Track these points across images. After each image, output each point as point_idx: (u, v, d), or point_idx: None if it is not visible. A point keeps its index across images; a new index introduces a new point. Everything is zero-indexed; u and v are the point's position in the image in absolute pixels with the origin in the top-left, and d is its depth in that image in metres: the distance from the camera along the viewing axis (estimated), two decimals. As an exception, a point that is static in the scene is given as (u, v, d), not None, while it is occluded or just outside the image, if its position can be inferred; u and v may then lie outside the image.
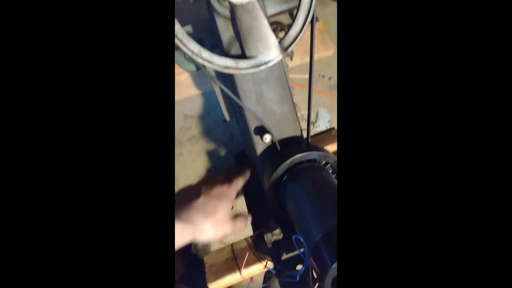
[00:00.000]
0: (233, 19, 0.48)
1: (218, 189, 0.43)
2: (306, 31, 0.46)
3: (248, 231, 0.68)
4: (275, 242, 0.59)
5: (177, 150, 1.14)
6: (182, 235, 0.39)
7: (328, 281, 0.38)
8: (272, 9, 0.61)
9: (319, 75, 1.24)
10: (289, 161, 0.55)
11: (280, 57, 0.48)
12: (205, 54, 0.43)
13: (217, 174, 0.47)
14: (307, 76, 1.26)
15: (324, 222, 0.43)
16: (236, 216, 0.46)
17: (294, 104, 0.62)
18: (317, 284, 0.40)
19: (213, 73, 0.62)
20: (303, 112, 1.27)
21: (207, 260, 0.71)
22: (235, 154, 1.04)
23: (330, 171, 0.60)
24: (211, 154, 1.13)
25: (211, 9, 0.49)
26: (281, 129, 0.60)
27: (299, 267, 0.53)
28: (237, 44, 0.51)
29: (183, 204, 0.40)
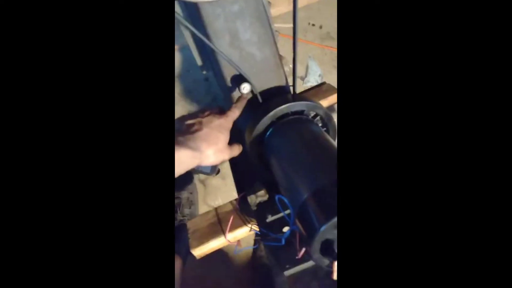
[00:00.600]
0: None
1: (217, 122, 0.47)
2: None
3: (234, 194, 0.64)
4: (259, 204, 0.54)
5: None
6: (191, 160, 0.45)
7: (316, 245, 0.33)
8: None
9: (309, 24, 1.12)
10: (272, 113, 0.47)
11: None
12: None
13: (212, 107, 0.52)
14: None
15: (312, 179, 0.37)
16: (231, 145, 0.52)
17: (277, 47, 0.53)
18: (303, 249, 0.35)
19: (177, 10, 0.52)
20: (291, 66, 1.17)
21: (191, 225, 0.67)
22: (219, 114, 0.96)
23: (320, 124, 0.53)
24: (193, 116, 1.04)
25: None
26: (263, 77, 0.52)
27: (285, 229, 0.49)
28: (201, -32, 0.41)
29: (189, 134, 0.45)
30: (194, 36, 0.60)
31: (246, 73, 0.48)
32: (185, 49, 1.05)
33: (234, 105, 0.50)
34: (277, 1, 1.06)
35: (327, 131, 0.52)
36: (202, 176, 1.01)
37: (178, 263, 0.82)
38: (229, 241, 0.62)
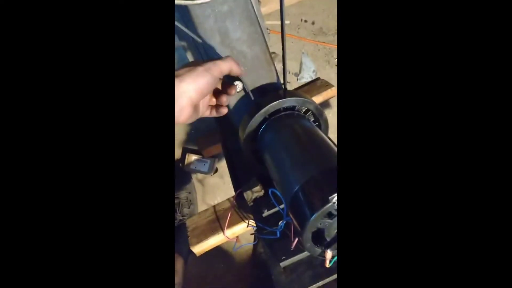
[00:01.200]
0: None
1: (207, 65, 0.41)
2: None
3: (232, 192, 0.65)
4: (255, 200, 0.55)
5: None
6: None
7: (308, 235, 0.34)
8: None
9: (301, 20, 1.12)
10: (264, 110, 0.48)
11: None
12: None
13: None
14: (287, 22, 1.15)
15: (302, 171, 0.38)
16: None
17: (267, 45, 0.54)
18: (296, 239, 0.36)
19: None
20: (285, 63, 1.17)
21: (190, 223, 0.68)
22: (215, 114, 0.97)
23: (312, 119, 0.54)
24: (189, 116, 1.05)
25: None
26: (254, 74, 0.53)
27: (281, 222, 0.50)
28: (189, -31, 0.41)
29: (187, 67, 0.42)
30: (186, 36, 0.61)
31: (238, 71, 0.49)
32: (179, 48, 1.06)
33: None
34: (269, -1, 1.07)
35: (319, 125, 0.53)
36: (200, 175, 1.02)
37: (180, 262, 0.83)
38: (227, 237, 0.63)
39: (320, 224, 0.34)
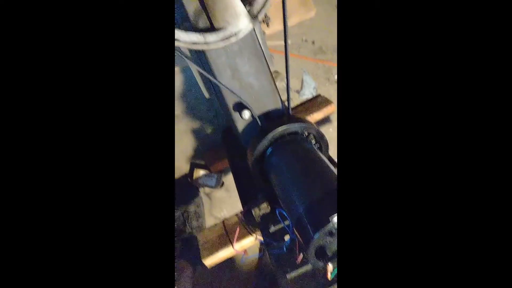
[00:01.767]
0: (196, -12, 0.44)
1: None
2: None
3: (238, 205, 0.69)
4: (263, 216, 0.60)
5: (162, 131, 1.12)
6: None
7: (312, 251, 0.39)
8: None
9: (302, 40, 1.19)
10: (270, 136, 0.53)
11: (250, 26, 0.45)
12: (168, 30, 0.40)
13: None
14: (289, 41, 1.21)
15: (306, 194, 0.43)
16: None
17: (272, 75, 0.59)
18: (301, 254, 0.41)
19: (186, 51, 0.58)
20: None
21: (200, 238, 0.73)
22: (222, 131, 1.03)
23: (314, 142, 0.59)
24: (196, 133, 1.11)
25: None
26: (261, 102, 0.58)
27: (286, 237, 0.55)
28: (204, 16, 0.47)
29: None
30: (200, 72, 0.66)
31: (246, 100, 0.55)
32: (187, 70, 1.12)
33: None
34: (272, 20, 1.13)
35: (320, 147, 0.59)
36: (207, 189, 1.07)
37: (189, 271, 0.88)
38: (236, 250, 0.68)
39: (322, 241, 0.39)
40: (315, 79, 1.17)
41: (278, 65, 1.08)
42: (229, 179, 1.07)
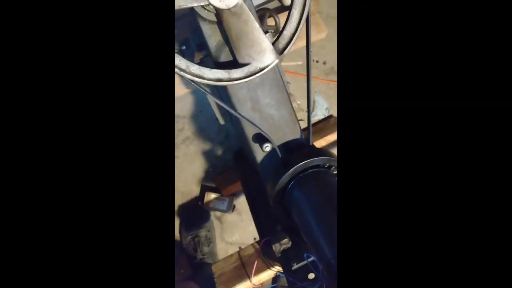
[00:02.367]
0: (220, 23, 0.43)
1: None
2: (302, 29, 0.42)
3: (251, 229, 0.67)
4: (283, 251, 0.57)
5: (172, 152, 1.10)
6: None
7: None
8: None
9: (313, 60, 1.18)
10: (292, 170, 0.51)
11: (276, 61, 0.43)
12: (194, 68, 0.39)
13: None
14: (300, 62, 1.21)
15: (335, 239, 0.40)
16: None
17: (292, 104, 0.58)
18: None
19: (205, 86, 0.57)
20: (299, 102, 1.22)
21: (216, 269, 0.70)
22: (233, 153, 1.01)
23: (335, 173, 0.57)
24: (207, 154, 1.09)
25: (193, 13, 0.44)
26: (281, 133, 0.56)
27: (310, 275, 0.52)
28: (226, 49, 0.46)
29: None
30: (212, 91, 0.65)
31: (266, 131, 0.53)
32: (197, 91, 1.12)
33: None
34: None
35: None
36: (218, 213, 1.04)
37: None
38: (254, 284, 0.65)
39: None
40: (327, 100, 1.16)
41: (290, 86, 1.07)
42: (241, 202, 1.04)
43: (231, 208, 1.01)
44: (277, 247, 0.57)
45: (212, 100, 0.65)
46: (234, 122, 0.60)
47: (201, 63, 0.42)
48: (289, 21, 0.42)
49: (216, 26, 0.44)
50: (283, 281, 0.66)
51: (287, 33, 0.43)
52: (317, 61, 1.18)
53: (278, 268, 0.63)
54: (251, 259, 0.67)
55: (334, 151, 0.98)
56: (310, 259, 0.51)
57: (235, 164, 0.96)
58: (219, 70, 0.41)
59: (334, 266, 0.38)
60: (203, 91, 0.46)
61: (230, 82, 0.42)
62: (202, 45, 0.54)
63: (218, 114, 0.66)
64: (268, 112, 0.54)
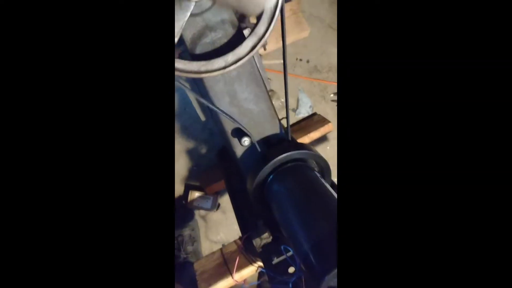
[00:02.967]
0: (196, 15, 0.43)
1: None
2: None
3: (235, 228, 0.67)
4: (264, 246, 0.57)
5: (155, 151, 1.09)
6: None
7: (322, 293, 0.37)
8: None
9: (296, 59, 1.19)
10: (271, 163, 0.51)
11: (251, 53, 0.43)
12: (166, 60, 0.38)
13: None
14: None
15: (312, 230, 0.40)
16: None
17: (271, 99, 0.58)
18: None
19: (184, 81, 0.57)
20: (283, 100, 1.23)
21: (198, 267, 0.69)
22: (217, 151, 1.00)
23: (316, 169, 0.57)
24: (191, 153, 1.08)
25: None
26: (260, 128, 0.56)
27: (291, 270, 0.52)
28: (202, 42, 0.46)
29: None
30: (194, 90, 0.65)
31: (245, 126, 0.53)
32: (180, 88, 1.11)
33: None
34: (267, 40, 1.14)
35: (323, 174, 0.57)
36: (202, 212, 1.03)
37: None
38: (236, 281, 0.64)
39: (332, 283, 0.36)
40: (310, 98, 1.17)
41: (273, 84, 1.07)
42: (225, 200, 1.04)
43: (216, 206, 1.01)
44: (257, 242, 0.56)
45: (193, 97, 0.64)
46: (214, 118, 0.59)
47: (180, 58, 0.42)
48: (261, 20, 0.42)
49: (190, 19, 0.44)
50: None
51: (259, 30, 0.43)
52: (300, 60, 1.19)
53: (260, 264, 0.63)
54: (234, 256, 0.66)
55: (318, 148, 0.98)
56: (289, 254, 0.51)
57: (218, 162, 0.95)
58: (194, 62, 0.40)
59: (310, 258, 0.38)
60: (183, 86, 0.45)
61: (206, 74, 0.42)
62: (179, 39, 0.53)
63: (198, 110, 0.66)
64: (247, 107, 0.54)
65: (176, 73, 0.40)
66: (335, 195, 0.47)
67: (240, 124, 0.51)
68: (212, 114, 0.60)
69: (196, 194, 1.01)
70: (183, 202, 1.03)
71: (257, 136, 0.56)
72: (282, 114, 0.62)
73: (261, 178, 0.53)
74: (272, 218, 0.54)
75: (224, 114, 0.51)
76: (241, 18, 0.81)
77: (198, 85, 0.55)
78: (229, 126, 0.55)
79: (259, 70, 0.52)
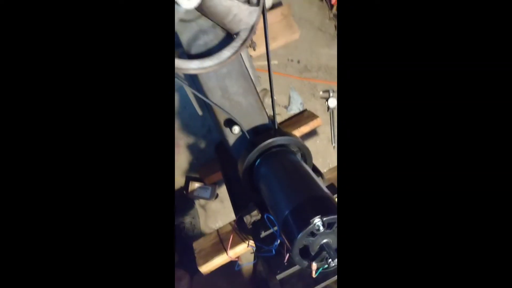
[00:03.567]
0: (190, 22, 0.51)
1: None
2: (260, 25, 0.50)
3: (233, 216, 0.74)
4: (254, 223, 0.64)
5: (157, 147, 1.16)
6: None
7: (296, 250, 0.44)
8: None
9: (288, 59, 1.27)
10: (258, 148, 0.59)
11: (236, 53, 0.51)
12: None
13: None
14: (276, 62, 1.29)
15: (291, 199, 0.48)
16: None
17: (258, 94, 0.66)
18: (288, 255, 0.46)
19: (181, 75, 0.65)
20: (275, 98, 1.31)
21: (196, 246, 0.77)
22: (215, 146, 1.08)
23: (298, 153, 0.65)
24: (191, 148, 1.16)
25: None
26: (249, 119, 0.64)
27: (276, 242, 0.59)
28: (197, 43, 0.54)
29: None
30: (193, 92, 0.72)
31: (236, 117, 0.61)
32: (181, 88, 1.19)
33: None
34: (259, 43, 1.22)
35: (305, 159, 0.65)
36: (202, 201, 1.11)
37: (186, 280, 0.91)
38: (230, 257, 0.72)
39: (305, 241, 0.44)
40: (301, 95, 1.24)
41: (266, 83, 1.15)
42: (223, 191, 1.11)
43: (214, 195, 1.08)
44: (248, 219, 0.64)
45: (191, 93, 0.72)
46: (209, 111, 0.67)
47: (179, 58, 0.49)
48: (244, 28, 0.50)
49: (186, 24, 0.52)
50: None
51: (242, 34, 0.50)
52: (291, 60, 1.27)
53: (251, 242, 0.70)
54: (228, 236, 0.73)
55: (309, 142, 1.06)
56: (275, 228, 0.59)
57: (216, 155, 1.03)
58: (190, 61, 0.48)
59: (289, 222, 0.46)
60: (182, 82, 0.53)
61: (203, 70, 0.50)
62: (177, 43, 0.61)
63: (196, 105, 0.73)
64: (237, 100, 0.62)
65: (176, 70, 0.48)
66: (314, 174, 0.54)
67: (230, 115, 0.59)
68: (208, 109, 0.68)
69: (196, 185, 1.09)
70: (184, 192, 1.10)
71: (246, 126, 0.64)
72: (277, 110, 0.69)
73: (250, 162, 0.60)
74: (261, 199, 0.61)
75: (216, 106, 0.59)
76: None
77: (194, 81, 0.63)
78: (221, 117, 0.63)
79: (247, 68, 0.60)
